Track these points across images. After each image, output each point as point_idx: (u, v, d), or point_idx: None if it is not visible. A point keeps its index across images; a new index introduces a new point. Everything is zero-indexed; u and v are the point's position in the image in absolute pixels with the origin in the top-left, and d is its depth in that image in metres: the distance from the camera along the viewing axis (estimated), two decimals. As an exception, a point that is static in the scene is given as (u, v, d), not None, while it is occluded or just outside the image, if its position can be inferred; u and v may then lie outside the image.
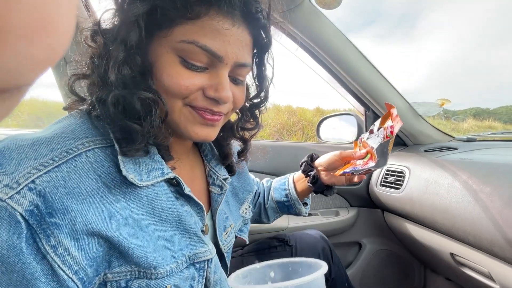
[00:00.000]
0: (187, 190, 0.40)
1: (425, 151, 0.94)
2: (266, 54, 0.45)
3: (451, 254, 0.75)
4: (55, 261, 0.29)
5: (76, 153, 0.32)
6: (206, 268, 0.41)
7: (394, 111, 0.57)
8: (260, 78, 0.47)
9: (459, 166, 0.73)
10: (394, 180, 0.89)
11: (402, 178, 0.87)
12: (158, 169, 0.37)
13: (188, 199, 0.42)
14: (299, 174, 0.70)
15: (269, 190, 0.74)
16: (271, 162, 0.99)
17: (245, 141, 0.52)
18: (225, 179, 0.52)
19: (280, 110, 4.60)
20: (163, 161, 0.38)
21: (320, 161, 0.66)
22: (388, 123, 0.58)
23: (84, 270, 0.31)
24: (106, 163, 0.34)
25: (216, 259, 0.44)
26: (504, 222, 0.57)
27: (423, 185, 0.79)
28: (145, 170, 0.36)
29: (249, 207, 0.68)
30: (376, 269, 1.04)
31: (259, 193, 0.75)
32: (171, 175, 0.38)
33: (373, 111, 1.02)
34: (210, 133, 0.40)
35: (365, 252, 1.03)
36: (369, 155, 0.59)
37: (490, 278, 0.67)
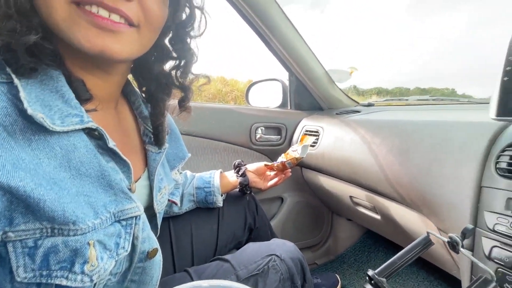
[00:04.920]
0: (111, 144, 0.35)
1: (336, 114, 1.07)
2: None
3: (350, 197, 0.92)
4: None
5: None
6: (133, 225, 0.38)
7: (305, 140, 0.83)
8: None
9: (359, 124, 0.86)
10: (310, 139, 1.00)
11: (317, 137, 0.98)
12: (76, 115, 0.31)
13: (113, 154, 0.37)
14: (226, 172, 0.79)
15: (192, 179, 0.75)
16: (203, 125, 0.97)
17: (185, 89, 0.47)
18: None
19: (212, 79, 4.45)
20: (82, 108, 0.32)
21: (250, 166, 0.79)
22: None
23: None
24: (2, 103, 0.27)
25: (144, 216, 0.42)
26: (386, 165, 0.72)
27: (333, 141, 0.91)
28: (58, 114, 0.30)
29: (180, 172, 0.67)
30: (294, 219, 1.18)
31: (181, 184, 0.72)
32: (92, 124, 0.33)
33: (296, 76, 1.08)
34: (109, 43, 0.31)
35: (286, 205, 1.15)
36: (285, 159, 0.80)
37: (374, 211, 0.85)
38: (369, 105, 1.14)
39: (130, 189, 0.40)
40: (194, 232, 0.71)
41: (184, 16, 0.41)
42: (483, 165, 0.49)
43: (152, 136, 0.49)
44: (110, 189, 0.35)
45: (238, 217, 0.77)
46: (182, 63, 0.45)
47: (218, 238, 0.73)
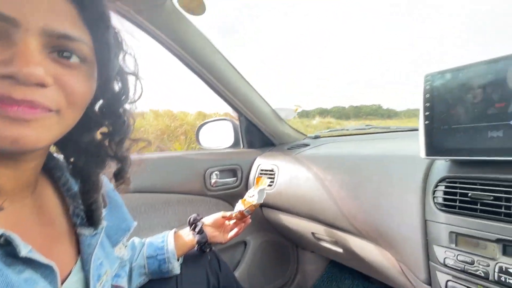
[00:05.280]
0: (24, 252, 0.28)
1: (288, 149, 1.10)
2: (110, 31, 0.33)
3: (312, 233, 0.92)
4: None
5: None
6: None
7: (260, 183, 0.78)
8: (104, 61, 0.34)
9: (311, 160, 0.89)
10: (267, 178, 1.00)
11: (273, 176, 0.98)
12: None
13: (28, 262, 0.29)
14: (180, 231, 0.71)
15: (142, 247, 0.65)
16: (150, 178, 0.88)
17: (122, 159, 0.40)
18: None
19: (159, 115, 4.28)
20: None
21: (207, 219, 0.73)
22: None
23: None
24: None
25: None
26: (340, 201, 0.74)
27: (288, 179, 0.92)
28: None
29: (125, 246, 0.58)
30: (260, 261, 1.13)
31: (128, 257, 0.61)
32: None
33: (245, 117, 1.09)
34: (23, 132, 0.26)
35: (250, 249, 1.10)
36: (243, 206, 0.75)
37: (337, 245, 0.87)
38: (316, 137, 1.20)
39: None
40: (149, 312, 0.61)
41: (116, 88, 0.37)
42: (422, 199, 0.54)
43: (84, 216, 0.41)
44: None
45: (199, 282, 0.69)
46: (116, 131, 0.40)
47: (178, 312, 0.64)
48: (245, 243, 1.11)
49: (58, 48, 0.28)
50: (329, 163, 0.84)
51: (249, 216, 0.78)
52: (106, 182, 0.48)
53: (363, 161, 0.75)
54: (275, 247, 1.19)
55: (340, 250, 0.87)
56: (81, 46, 0.29)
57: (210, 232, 0.72)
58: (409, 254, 0.55)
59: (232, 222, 0.77)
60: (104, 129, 0.40)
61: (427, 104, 0.52)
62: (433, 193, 0.51)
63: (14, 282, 0.26)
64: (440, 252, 0.48)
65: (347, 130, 1.21)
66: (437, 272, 0.48)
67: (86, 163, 0.40)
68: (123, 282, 0.56)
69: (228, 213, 0.76)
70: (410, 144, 0.76)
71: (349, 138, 1.13)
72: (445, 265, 0.46)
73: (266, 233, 1.15)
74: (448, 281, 0.46)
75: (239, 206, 0.77)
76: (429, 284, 0.50)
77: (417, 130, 0.96)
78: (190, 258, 0.70)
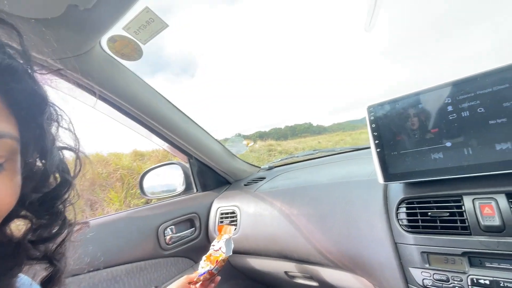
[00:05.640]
0: None
1: (245, 185, 1.06)
2: (44, 114, 0.27)
3: (285, 272, 0.87)
4: None
5: None
6: None
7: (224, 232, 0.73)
8: (44, 152, 0.28)
9: (272, 196, 0.87)
10: (229, 223, 0.93)
11: (235, 218, 0.92)
12: None
13: None
14: None
15: None
16: (89, 253, 0.70)
17: (53, 260, 0.31)
18: None
19: (86, 162, 3.71)
20: None
21: None
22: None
23: None
24: None
25: None
26: (310, 235, 0.73)
27: (253, 220, 0.87)
28: None
29: None
30: (233, 315, 1.01)
31: None
32: None
33: (196, 158, 1.02)
34: None
35: (220, 305, 0.98)
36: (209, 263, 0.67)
37: (312, 279, 0.84)
38: (270, 168, 1.21)
39: None
40: None
41: (53, 183, 0.30)
42: (388, 222, 0.56)
43: None
44: None
45: None
46: (41, 222, 0.30)
47: None
48: (213, 300, 0.98)
49: None
50: (291, 197, 0.83)
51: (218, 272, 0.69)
52: (24, 281, 0.35)
53: (323, 191, 0.77)
54: (246, 294, 1.09)
55: (315, 284, 0.85)
56: (5, 142, 0.23)
57: None
58: (387, 279, 0.56)
59: (199, 284, 0.67)
60: (25, 221, 0.30)
61: (375, 133, 0.57)
62: (397, 216, 0.54)
63: None
64: (417, 274, 0.49)
65: (297, 157, 1.25)
66: (419, 296, 0.49)
67: None
68: None
69: (193, 275, 0.66)
70: (359, 167, 0.82)
71: (300, 164, 1.17)
72: (425, 287, 0.48)
73: (235, 281, 1.05)
74: (430, 302, 0.47)
75: (205, 264, 0.67)
76: (413, 308, 0.51)
77: (358, 150, 1.06)
78: None
